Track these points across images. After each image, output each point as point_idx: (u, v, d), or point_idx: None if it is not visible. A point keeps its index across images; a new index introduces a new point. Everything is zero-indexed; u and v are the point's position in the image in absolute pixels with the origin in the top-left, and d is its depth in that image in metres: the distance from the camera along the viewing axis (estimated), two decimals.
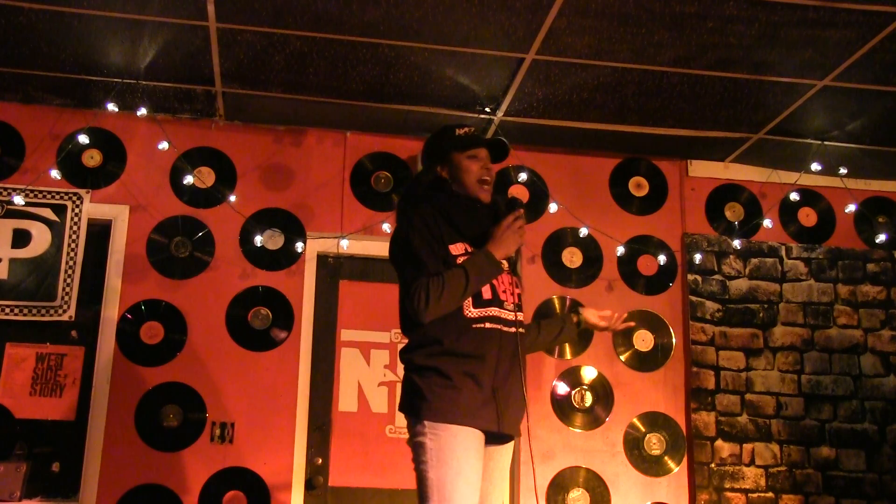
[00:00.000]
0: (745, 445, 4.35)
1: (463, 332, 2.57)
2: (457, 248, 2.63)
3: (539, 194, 4.57)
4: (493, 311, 2.62)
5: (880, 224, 4.77)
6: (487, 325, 2.60)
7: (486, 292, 2.62)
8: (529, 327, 2.92)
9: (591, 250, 4.56)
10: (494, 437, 2.62)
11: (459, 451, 2.48)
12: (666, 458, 4.35)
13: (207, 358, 4.17)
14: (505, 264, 2.71)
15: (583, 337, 4.37)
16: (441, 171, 2.79)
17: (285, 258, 4.34)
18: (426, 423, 2.52)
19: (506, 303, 2.66)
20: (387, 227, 4.34)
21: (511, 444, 2.72)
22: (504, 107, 4.14)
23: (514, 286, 2.73)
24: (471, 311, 2.59)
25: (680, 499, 4.31)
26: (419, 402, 2.54)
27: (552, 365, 4.39)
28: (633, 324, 2.93)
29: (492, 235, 2.65)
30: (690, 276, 4.54)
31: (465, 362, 2.54)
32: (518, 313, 2.70)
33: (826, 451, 4.40)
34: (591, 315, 3.00)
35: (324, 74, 3.91)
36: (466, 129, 2.81)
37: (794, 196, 4.69)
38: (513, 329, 2.64)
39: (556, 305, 4.45)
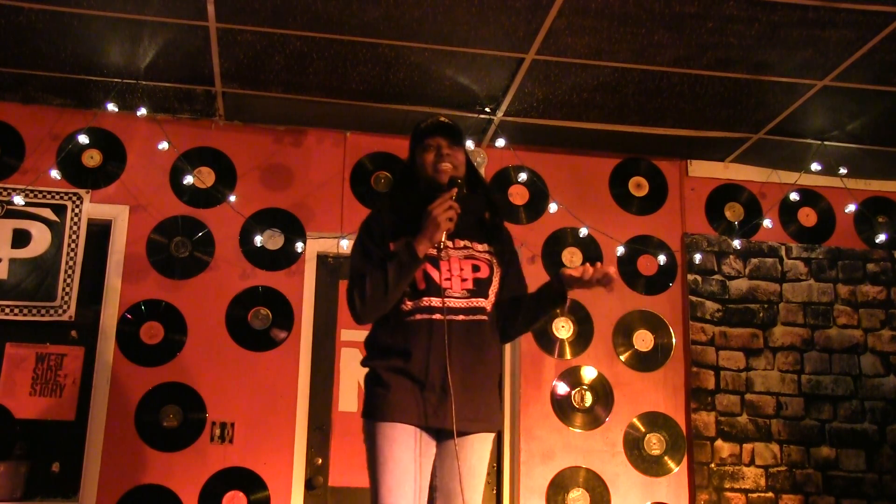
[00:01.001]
0: (745, 445, 4.35)
1: (395, 327, 2.53)
2: (398, 245, 2.53)
3: (539, 194, 4.57)
4: (425, 301, 2.51)
5: (880, 224, 4.77)
6: (417, 316, 2.51)
7: (420, 282, 2.53)
8: (512, 313, 2.68)
9: (591, 250, 4.55)
10: (443, 433, 2.50)
11: (384, 445, 2.45)
12: (666, 458, 4.35)
13: (207, 358, 4.17)
14: (479, 249, 2.60)
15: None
16: (412, 168, 2.72)
17: (285, 258, 4.34)
18: (364, 424, 2.53)
19: (449, 290, 2.52)
20: None
21: (479, 438, 2.57)
22: (504, 107, 4.13)
23: (473, 270, 2.59)
24: (406, 305, 2.53)
25: (680, 499, 4.31)
26: (364, 405, 2.55)
27: (552, 365, 4.39)
28: (612, 272, 2.48)
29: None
30: (690, 276, 4.54)
31: (393, 359, 2.50)
32: (471, 300, 2.55)
33: (826, 451, 4.40)
34: (567, 272, 2.56)
35: (324, 74, 3.91)
36: (425, 123, 2.68)
37: (794, 196, 4.69)
38: (446, 316, 2.48)
39: None
